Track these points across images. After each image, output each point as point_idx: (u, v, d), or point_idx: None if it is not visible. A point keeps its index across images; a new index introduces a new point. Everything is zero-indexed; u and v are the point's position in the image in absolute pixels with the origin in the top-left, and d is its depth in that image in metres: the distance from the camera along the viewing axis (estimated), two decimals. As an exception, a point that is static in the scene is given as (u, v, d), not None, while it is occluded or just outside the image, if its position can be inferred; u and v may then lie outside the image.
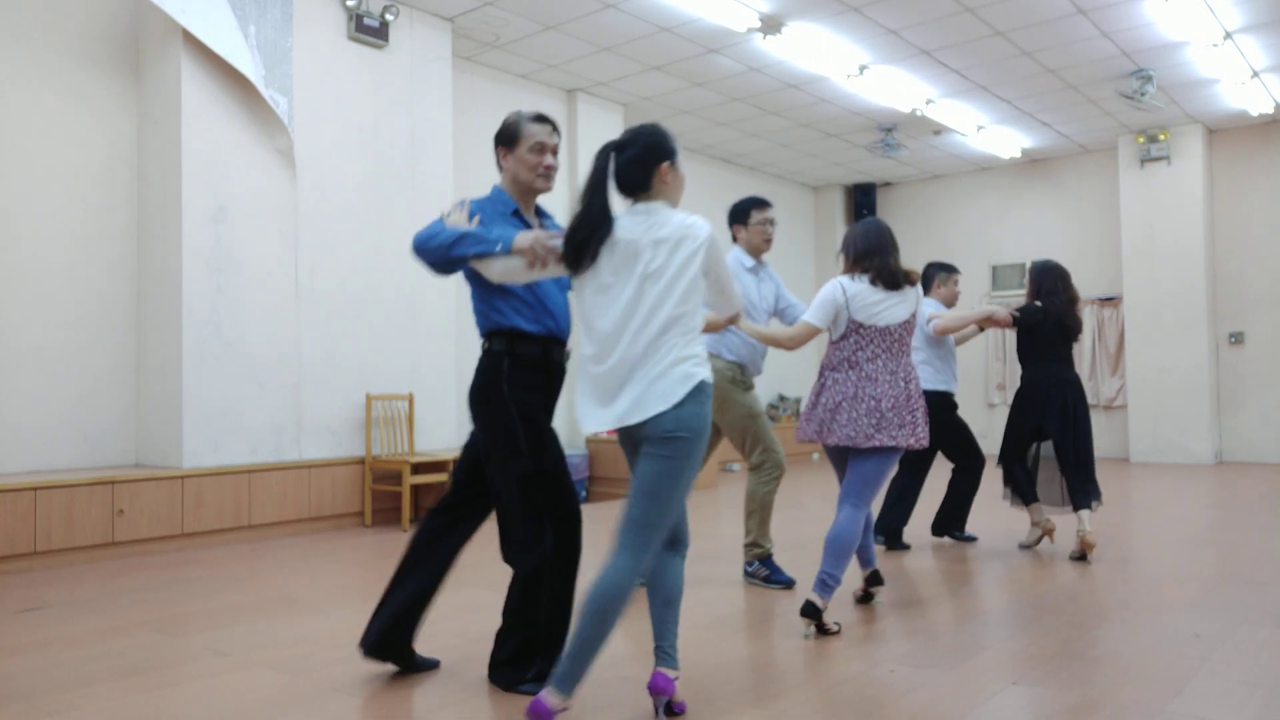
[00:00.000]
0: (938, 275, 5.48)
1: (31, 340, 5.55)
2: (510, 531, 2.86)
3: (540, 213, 3.07)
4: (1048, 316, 5.05)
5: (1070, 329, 5.07)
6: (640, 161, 2.57)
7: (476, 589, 4.39)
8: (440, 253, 2.68)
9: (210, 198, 5.80)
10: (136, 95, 6.06)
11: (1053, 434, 4.95)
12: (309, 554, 5.40)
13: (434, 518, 3.03)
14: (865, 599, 3.96)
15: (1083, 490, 4.86)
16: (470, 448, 3.00)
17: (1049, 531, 5.14)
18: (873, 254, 3.65)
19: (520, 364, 2.82)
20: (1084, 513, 4.82)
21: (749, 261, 4.48)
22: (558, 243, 2.57)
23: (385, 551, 5.53)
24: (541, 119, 2.95)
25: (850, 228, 3.89)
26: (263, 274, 6.02)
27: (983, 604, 4.02)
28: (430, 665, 3.10)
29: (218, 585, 4.56)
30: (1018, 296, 11.37)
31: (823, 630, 3.49)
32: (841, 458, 3.76)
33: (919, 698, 2.79)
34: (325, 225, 6.35)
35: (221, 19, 5.77)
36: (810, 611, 3.45)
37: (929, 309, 5.31)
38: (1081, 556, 4.85)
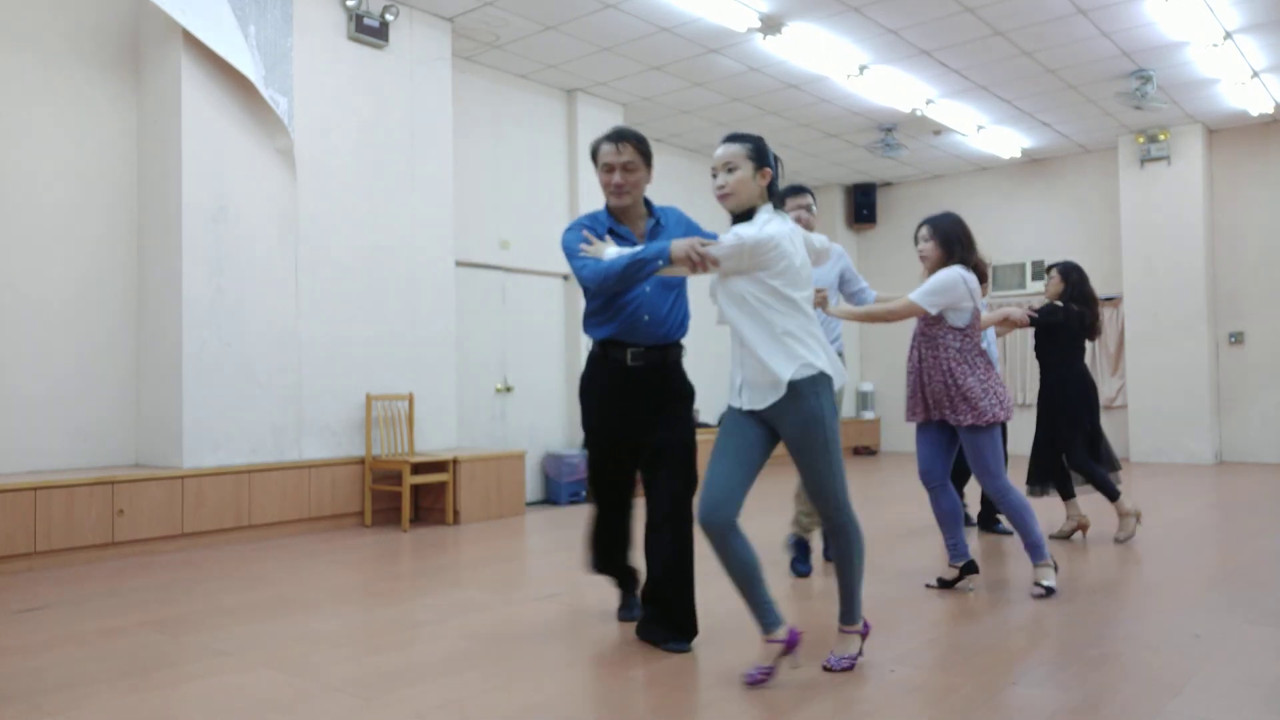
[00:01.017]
0: None
1: (31, 339, 5.54)
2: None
3: (650, 209, 3.45)
4: (1071, 317, 5.12)
5: (1088, 333, 5.22)
6: None
7: (476, 589, 4.39)
8: (618, 283, 3.08)
9: (210, 198, 5.80)
10: (136, 95, 6.06)
11: (1093, 426, 5.26)
12: (309, 554, 5.40)
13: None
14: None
15: (1111, 458, 5.31)
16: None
17: (1084, 526, 5.32)
18: (971, 248, 3.99)
19: (591, 361, 3.46)
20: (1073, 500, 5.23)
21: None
22: (712, 249, 2.86)
23: (385, 551, 5.53)
24: (610, 137, 3.33)
25: (939, 218, 4.04)
26: (263, 274, 6.02)
27: (983, 604, 4.02)
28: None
29: (218, 585, 4.56)
30: (1018, 296, 11.39)
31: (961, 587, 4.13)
32: (949, 438, 4.12)
33: (919, 698, 2.79)
34: (325, 225, 6.35)
35: (221, 19, 5.77)
36: (971, 568, 4.14)
37: None
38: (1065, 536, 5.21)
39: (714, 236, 3.12)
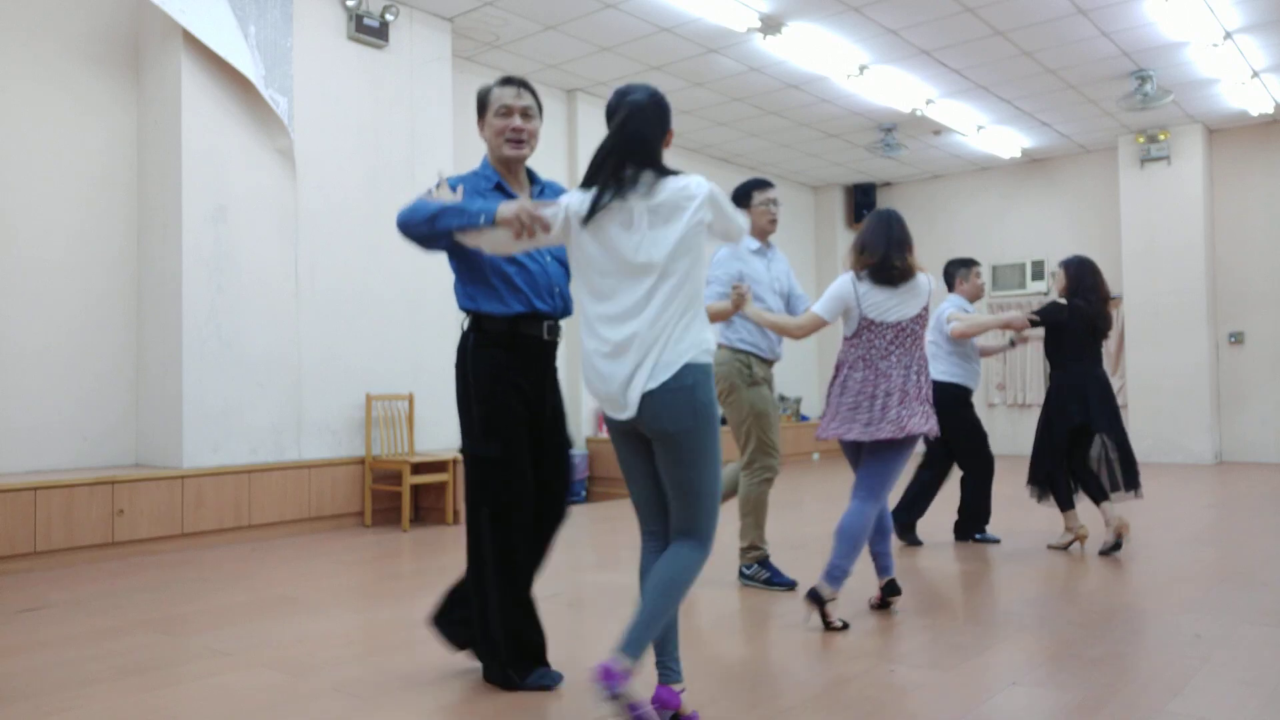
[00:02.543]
0: (958, 272, 5.51)
1: (31, 340, 5.54)
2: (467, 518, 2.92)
3: (533, 179, 2.99)
4: (1076, 314, 5.01)
5: (1101, 329, 5.06)
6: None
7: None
8: (424, 227, 2.62)
9: (210, 198, 5.80)
10: (136, 95, 6.06)
11: (1101, 428, 4.99)
12: (309, 554, 5.40)
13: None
14: (882, 607, 3.87)
15: (1133, 472, 4.99)
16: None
17: (1082, 538, 5.10)
18: (872, 248, 3.65)
19: (486, 342, 2.81)
20: (1106, 504, 4.94)
21: (754, 244, 4.33)
22: (548, 212, 2.48)
23: (385, 552, 5.53)
24: (509, 80, 2.88)
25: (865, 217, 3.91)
26: (263, 274, 6.02)
27: (983, 604, 4.02)
28: None
29: (218, 585, 4.56)
30: (1019, 296, 11.39)
31: (826, 622, 3.50)
32: (856, 454, 3.77)
33: (919, 698, 2.79)
34: (325, 225, 6.35)
35: (221, 19, 5.77)
36: (815, 597, 3.48)
37: (952, 307, 5.34)
38: (1116, 546, 4.93)
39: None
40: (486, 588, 2.80)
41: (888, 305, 3.62)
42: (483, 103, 2.91)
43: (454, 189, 2.69)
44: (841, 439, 3.68)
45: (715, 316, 4.00)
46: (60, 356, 5.66)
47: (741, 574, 4.39)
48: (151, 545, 5.38)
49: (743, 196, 4.37)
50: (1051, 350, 5.16)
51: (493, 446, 2.78)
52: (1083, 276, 5.07)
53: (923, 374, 3.64)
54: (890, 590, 3.83)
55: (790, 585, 4.28)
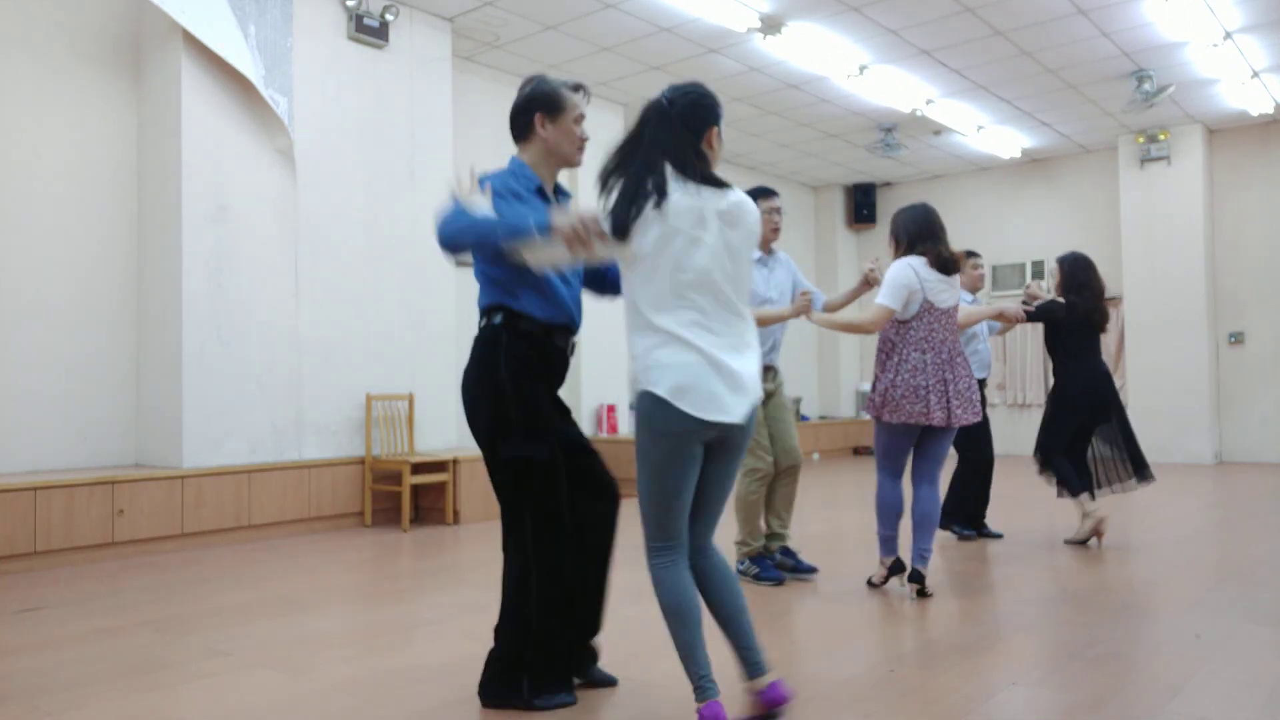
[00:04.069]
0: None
1: (31, 339, 5.54)
2: (505, 523, 2.72)
3: (560, 191, 2.85)
4: (1073, 311, 5.07)
5: (1097, 323, 5.12)
6: None
7: (476, 589, 4.39)
8: (470, 241, 2.45)
9: (210, 198, 5.80)
10: (136, 95, 6.06)
11: (1108, 420, 5.13)
12: (309, 554, 5.40)
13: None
14: (881, 585, 4.19)
15: (1142, 462, 5.12)
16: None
17: (1099, 527, 5.11)
18: (927, 238, 3.90)
19: (520, 341, 2.64)
20: (1086, 497, 5.06)
21: (756, 253, 4.38)
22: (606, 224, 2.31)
23: (385, 552, 5.53)
24: (580, 88, 2.76)
25: (899, 211, 4.05)
26: (263, 274, 6.02)
27: (982, 604, 4.02)
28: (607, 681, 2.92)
29: (218, 585, 4.56)
30: (1019, 296, 11.38)
31: (924, 593, 3.98)
32: (912, 439, 3.96)
33: (919, 698, 2.79)
34: (325, 225, 6.35)
35: (221, 19, 5.77)
36: (918, 578, 3.96)
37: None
38: (1085, 541, 5.12)
39: None
40: (529, 593, 2.65)
41: (940, 290, 3.88)
42: (556, 102, 2.70)
43: (482, 188, 2.54)
44: (929, 423, 3.83)
45: (767, 320, 4.07)
46: (60, 356, 5.66)
47: (736, 569, 4.43)
48: (151, 545, 5.38)
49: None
50: (1052, 347, 5.25)
51: (539, 448, 2.63)
52: (1075, 273, 5.13)
53: (969, 364, 4.00)
54: (896, 569, 4.09)
55: (778, 580, 4.33)
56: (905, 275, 3.85)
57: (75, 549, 5.08)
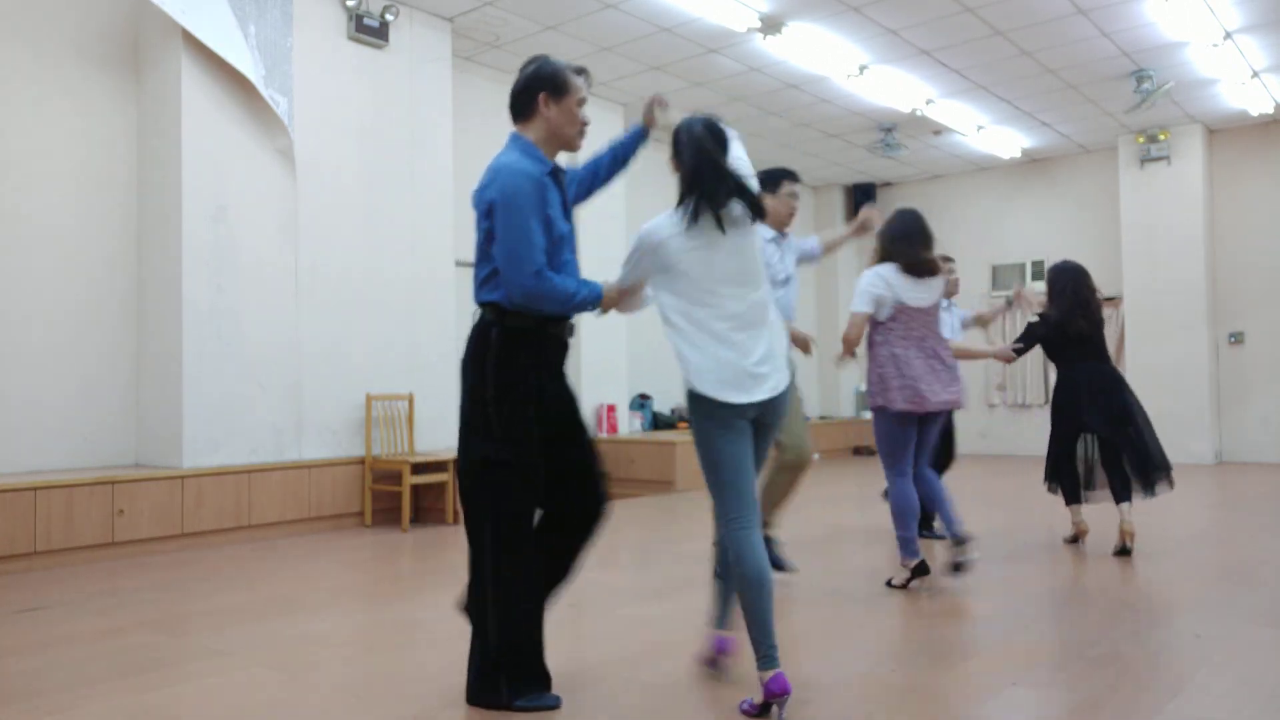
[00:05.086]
0: None
1: (31, 340, 5.54)
2: (467, 530, 2.68)
3: (558, 170, 2.79)
4: (1047, 324, 5.13)
5: (1072, 334, 5.06)
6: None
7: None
8: (545, 308, 2.62)
9: (210, 198, 5.80)
10: (136, 95, 6.06)
11: (1099, 431, 4.98)
12: (309, 554, 5.40)
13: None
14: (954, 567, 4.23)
15: (1142, 476, 4.89)
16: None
17: (1082, 533, 5.19)
18: (901, 245, 4.12)
19: (511, 337, 2.63)
20: (1124, 505, 4.89)
21: (770, 232, 4.27)
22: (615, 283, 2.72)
23: (385, 552, 5.53)
24: (584, 71, 2.76)
25: (889, 218, 4.26)
26: (263, 273, 6.02)
27: (983, 604, 4.02)
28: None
29: (218, 585, 4.56)
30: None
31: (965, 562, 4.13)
32: (913, 429, 4.13)
33: (919, 698, 2.79)
34: (325, 225, 6.35)
35: (221, 19, 5.77)
36: (962, 540, 4.06)
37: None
38: (1123, 550, 4.88)
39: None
40: (485, 599, 2.63)
41: (914, 291, 4.09)
42: (562, 84, 2.69)
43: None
44: (925, 410, 4.05)
45: (833, 245, 4.53)
46: (60, 356, 5.66)
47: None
48: (151, 545, 5.38)
49: (773, 181, 4.31)
50: (1049, 356, 5.33)
51: (504, 450, 2.61)
52: (1054, 281, 5.21)
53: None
54: (921, 571, 4.15)
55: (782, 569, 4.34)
56: (871, 282, 4.13)
57: (75, 549, 5.08)
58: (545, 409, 2.69)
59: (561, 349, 2.77)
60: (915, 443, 4.15)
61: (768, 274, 4.06)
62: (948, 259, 5.61)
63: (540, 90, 2.69)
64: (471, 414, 2.66)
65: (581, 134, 2.77)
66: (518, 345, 2.64)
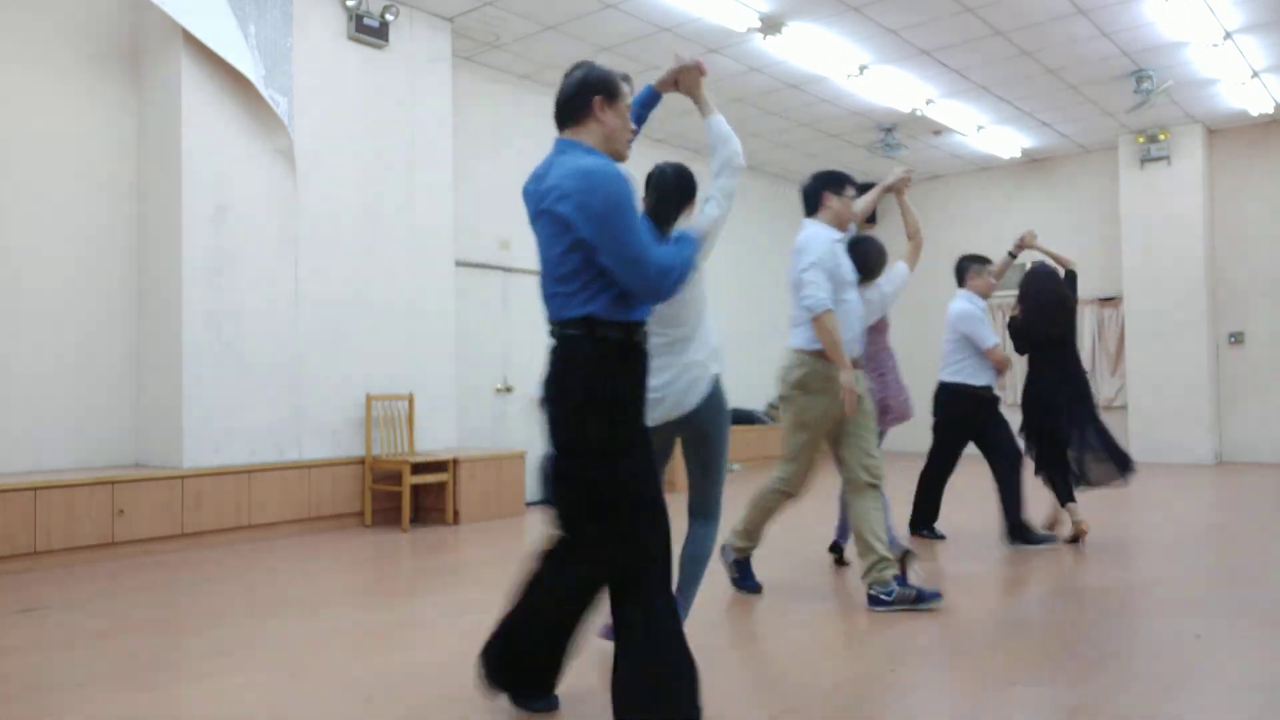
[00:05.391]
0: (970, 267, 5.65)
1: (31, 340, 5.54)
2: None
3: None
4: (1012, 332, 5.39)
5: (1033, 339, 5.27)
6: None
7: (477, 589, 4.39)
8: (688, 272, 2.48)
9: (210, 198, 5.80)
10: (136, 95, 6.06)
11: (1064, 431, 5.18)
12: (309, 554, 5.40)
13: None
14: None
15: (1098, 468, 5.13)
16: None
17: (1082, 533, 5.26)
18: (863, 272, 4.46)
19: (608, 351, 2.44)
20: (1072, 505, 5.18)
21: (835, 233, 4.11)
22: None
23: (385, 552, 5.54)
24: (628, 78, 2.64)
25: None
26: (262, 274, 6.02)
27: (983, 605, 4.02)
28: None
29: (218, 585, 4.56)
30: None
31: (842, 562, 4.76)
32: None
33: (919, 698, 2.79)
34: (325, 225, 6.35)
35: (221, 19, 5.77)
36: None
37: (963, 301, 5.41)
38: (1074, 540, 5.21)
39: None
40: (672, 629, 2.43)
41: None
42: (614, 87, 2.55)
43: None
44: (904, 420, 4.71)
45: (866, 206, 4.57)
46: (60, 356, 5.66)
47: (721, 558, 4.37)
48: (151, 545, 5.38)
49: (837, 184, 4.16)
50: (1018, 351, 5.54)
51: (635, 463, 2.50)
52: (1022, 286, 5.41)
53: None
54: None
55: (755, 589, 4.23)
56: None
57: (75, 549, 5.08)
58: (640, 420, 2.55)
59: (644, 359, 2.56)
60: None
61: (837, 274, 4.05)
62: (986, 260, 5.70)
63: (595, 93, 2.53)
64: (582, 431, 2.48)
65: (630, 143, 2.62)
66: (615, 357, 2.45)
